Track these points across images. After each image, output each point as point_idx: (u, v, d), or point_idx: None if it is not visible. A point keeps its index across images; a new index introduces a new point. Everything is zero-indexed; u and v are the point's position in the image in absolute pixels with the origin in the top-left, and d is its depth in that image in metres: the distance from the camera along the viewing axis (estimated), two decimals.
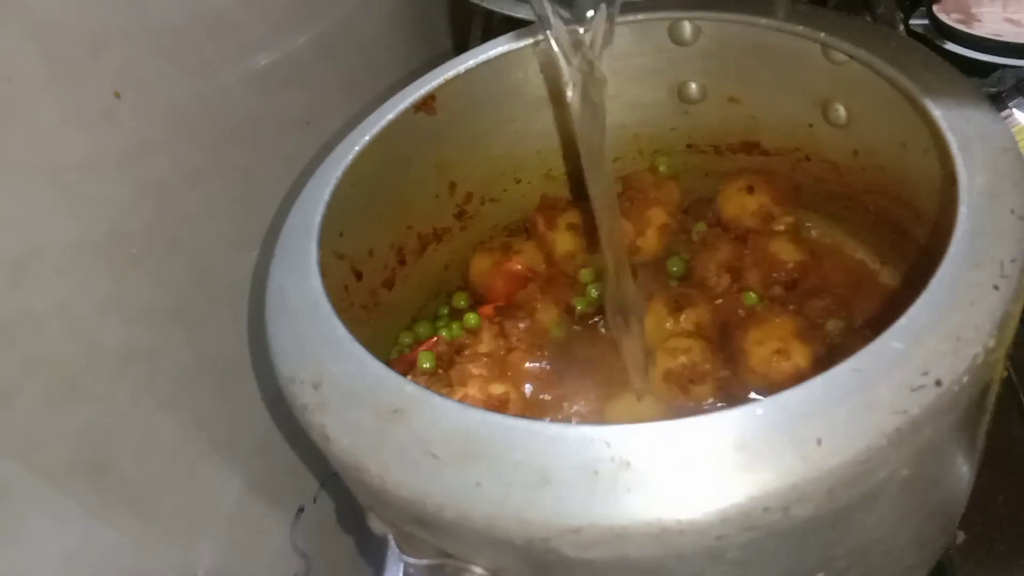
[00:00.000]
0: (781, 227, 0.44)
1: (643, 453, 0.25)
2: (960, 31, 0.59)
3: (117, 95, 0.38)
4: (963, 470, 0.33)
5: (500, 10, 0.57)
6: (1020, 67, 0.55)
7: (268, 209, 0.47)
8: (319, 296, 0.33)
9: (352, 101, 0.53)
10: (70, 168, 0.36)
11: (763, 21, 0.40)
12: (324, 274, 0.34)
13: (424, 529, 0.28)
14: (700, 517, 0.24)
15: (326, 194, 0.37)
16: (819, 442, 0.24)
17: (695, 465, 0.24)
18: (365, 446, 0.28)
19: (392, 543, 0.29)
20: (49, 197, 0.35)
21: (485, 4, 0.58)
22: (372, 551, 0.54)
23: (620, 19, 0.43)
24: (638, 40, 0.44)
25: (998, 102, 0.52)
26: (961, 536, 0.40)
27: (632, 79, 0.45)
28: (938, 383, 0.25)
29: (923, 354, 0.25)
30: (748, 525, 0.24)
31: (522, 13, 0.57)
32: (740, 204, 0.46)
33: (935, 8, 0.60)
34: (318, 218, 0.36)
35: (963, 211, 0.29)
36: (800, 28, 0.38)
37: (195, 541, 0.43)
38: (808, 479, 0.24)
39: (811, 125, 0.43)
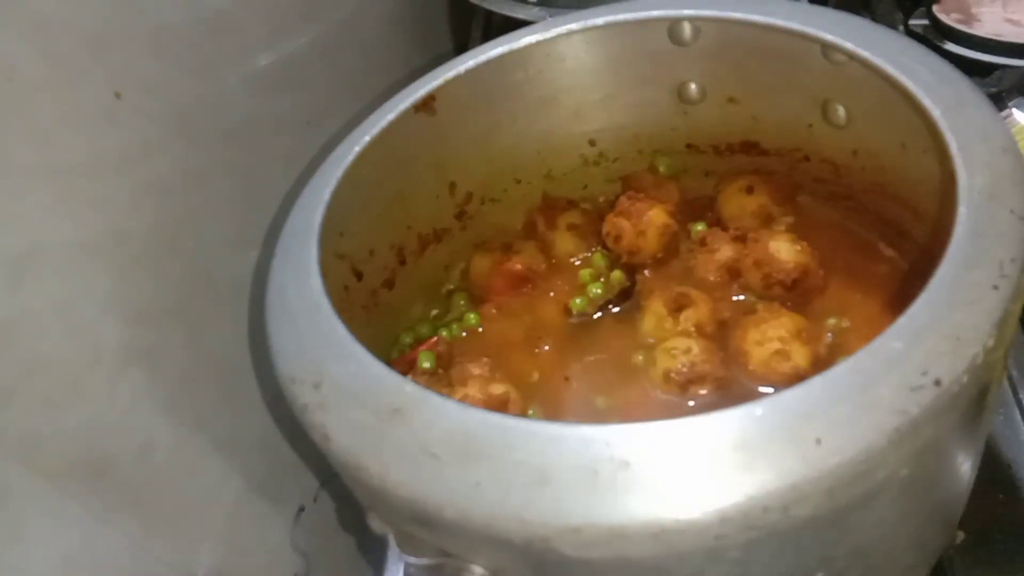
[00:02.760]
0: (781, 227, 0.44)
1: (643, 453, 0.25)
2: (960, 31, 0.59)
3: (117, 95, 0.38)
4: (963, 470, 0.33)
5: (500, 10, 0.58)
6: (1020, 67, 0.55)
7: (268, 209, 0.47)
8: (319, 296, 0.33)
9: (352, 101, 0.53)
10: (70, 168, 0.36)
11: (762, 21, 0.39)
12: (324, 274, 0.34)
13: (424, 529, 0.28)
14: (700, 517, 0.24)
15: (326, 195, 0.37)
16: (818, 442, 0.24)
17: (695, 465, 0.24)
18: (365, 446, 0.28)
19: (392, 543, 0.29)
20: (49, 197, 0.35)
21: (485, 4, 0.59)
22: (372, 551, 0.54)
23: (619, 19, 0.43)
24: (638, 40, 0.44)
25: (998, 102, 0.52)
26: (961, 536, 0.40)
27: (632, 79, 0.45)
28: (937, 383, 0.25)
29: (922, 354, 0.25)
30: (748, 525, 0.24)
31: (522, 13, 0.57)
32: (739, 204, 0.46)
33: (935, 8, 0.60)
34: (318, 218, 0.36)
35: (962, 211, 0.29)
36: (800, 28, 0.38)
37: (195, 541, 0.43)
38: (808, 479, 0.24)
39: (811, 125, 0.43)
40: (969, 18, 0.61)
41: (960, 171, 0.30)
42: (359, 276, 0.41)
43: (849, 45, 0.37)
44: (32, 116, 0.34)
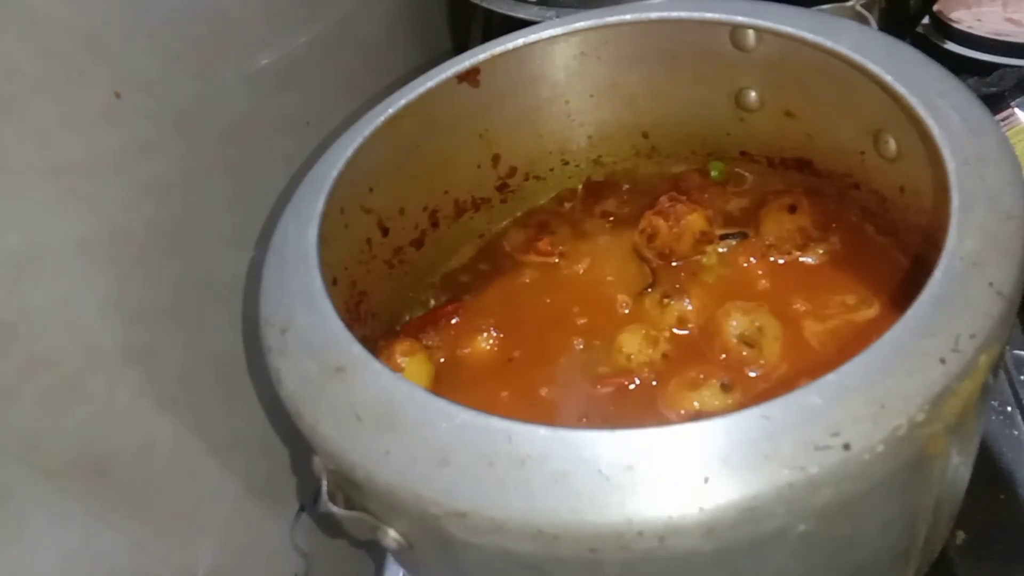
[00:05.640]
0: (813, 257, 0.43)
1: (537, 454, 0.25)
2: (960, 31, 0.59)
3: (117, 95, 0.38)
4: (897, 529, 0.30)
5: (500, 10, 0.57)
6: (1020, 66, 0.55)
7: (268, 209, 0.47)
8: (311, 246, 0.34)
9: (352, 101, 0.53)
10: (70, 168, 0.36)
11: (821, 43, 0.38)
12: (344, 225, 0.35)
13: (346, 483, 0.29)
14: (576, 527, 0.24)
15: (349, 151, 0.38)
16: (706, 480, 0.24)
17: (579, 476, 0.24)
18: (306, 396, 0.29)
19: (324, 489, 0.30)
20: (49, 197, 0.35)
21: (485, 4, 0.58)
22: (372, 551, 0.54)
23: (684, 15, 0.42)
24: (699, 39, 0.43)
25: (999, 101, 0.52)
26: (961, 536, 0.40)
27: (690, 77, 0.44)
28: (846, 447, 0.24)
29: (839, 414, 0.24)
30: (622, 545, 0.24)
31: (522, 13, 0.57)
32: (779, 221, 0.44)
33: (935, 8, 0.61)
34: (334, 173, 0.37)
35: (937, 275, 0.27)
36: (858, 60, 0.36)
37: (195, 541, 0.43)
38: (686, 514, 0.23)
39: (863, 153, 0.41)
40: (969, 18, 0.61)
41: (952, 232, 0.28)
42: (385, 232, 0.42)
43: (889, 79, 0.35)
44: (32, 116, 0.34)
